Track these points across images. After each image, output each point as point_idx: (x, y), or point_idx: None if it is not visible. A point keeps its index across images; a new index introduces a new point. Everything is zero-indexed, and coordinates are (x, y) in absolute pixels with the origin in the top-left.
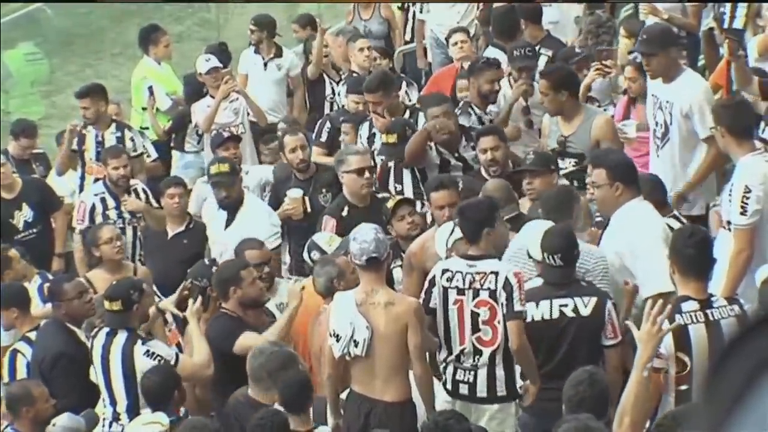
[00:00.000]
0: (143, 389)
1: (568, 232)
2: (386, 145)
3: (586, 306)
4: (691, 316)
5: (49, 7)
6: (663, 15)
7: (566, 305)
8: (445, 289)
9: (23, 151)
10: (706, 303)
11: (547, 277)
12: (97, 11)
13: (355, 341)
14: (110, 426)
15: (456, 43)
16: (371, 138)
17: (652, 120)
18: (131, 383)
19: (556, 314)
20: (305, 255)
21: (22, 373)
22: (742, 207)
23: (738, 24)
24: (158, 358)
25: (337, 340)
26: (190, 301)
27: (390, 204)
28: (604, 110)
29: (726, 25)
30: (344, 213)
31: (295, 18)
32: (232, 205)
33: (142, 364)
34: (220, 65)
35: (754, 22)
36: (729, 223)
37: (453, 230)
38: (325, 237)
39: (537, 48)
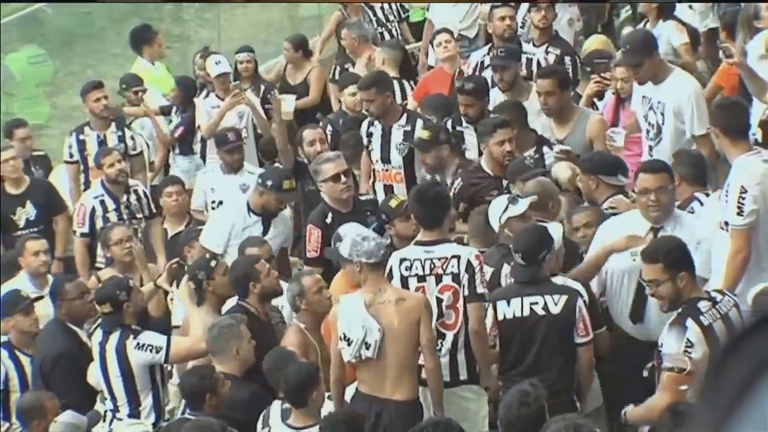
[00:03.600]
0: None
1: (533, 233)
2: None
3: (556, 304)
4: (711, 315)
5: (49, 7)
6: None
7: (536, 303)
8: (405, 278)
9: (23, 144)
10: (712, 299)
11: (517, 275)
12: (98, 11)
13: (366, 344)
14: (110, 423)
15: (440, 44)
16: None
17: (644, 122)
18: (128, 379)
19: (527, 312)
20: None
21: None
22: (738, 207)
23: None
24: (149, 348)
25: (348, 344)
26: (183, 281)
27: (394, 203)
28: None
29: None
30: (328, 220)
31: (289, 37)
32: (273, 214)
33: (136, 358)
34: (229, 71)
35: (750, 24)
36: (726, 223)
37: (507, 207)
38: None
39: (547, 46)
